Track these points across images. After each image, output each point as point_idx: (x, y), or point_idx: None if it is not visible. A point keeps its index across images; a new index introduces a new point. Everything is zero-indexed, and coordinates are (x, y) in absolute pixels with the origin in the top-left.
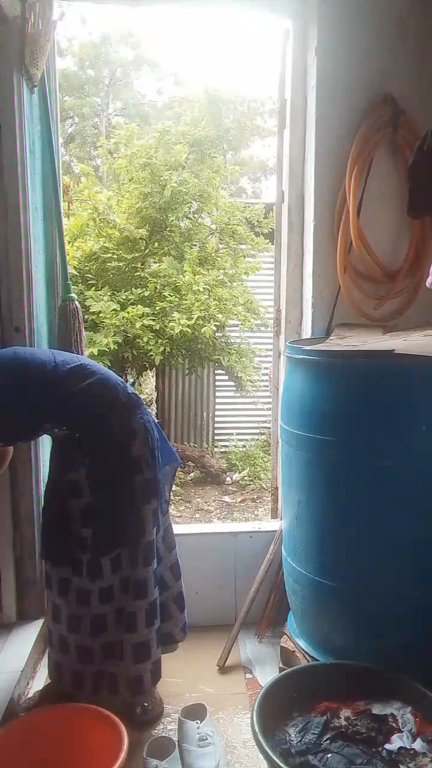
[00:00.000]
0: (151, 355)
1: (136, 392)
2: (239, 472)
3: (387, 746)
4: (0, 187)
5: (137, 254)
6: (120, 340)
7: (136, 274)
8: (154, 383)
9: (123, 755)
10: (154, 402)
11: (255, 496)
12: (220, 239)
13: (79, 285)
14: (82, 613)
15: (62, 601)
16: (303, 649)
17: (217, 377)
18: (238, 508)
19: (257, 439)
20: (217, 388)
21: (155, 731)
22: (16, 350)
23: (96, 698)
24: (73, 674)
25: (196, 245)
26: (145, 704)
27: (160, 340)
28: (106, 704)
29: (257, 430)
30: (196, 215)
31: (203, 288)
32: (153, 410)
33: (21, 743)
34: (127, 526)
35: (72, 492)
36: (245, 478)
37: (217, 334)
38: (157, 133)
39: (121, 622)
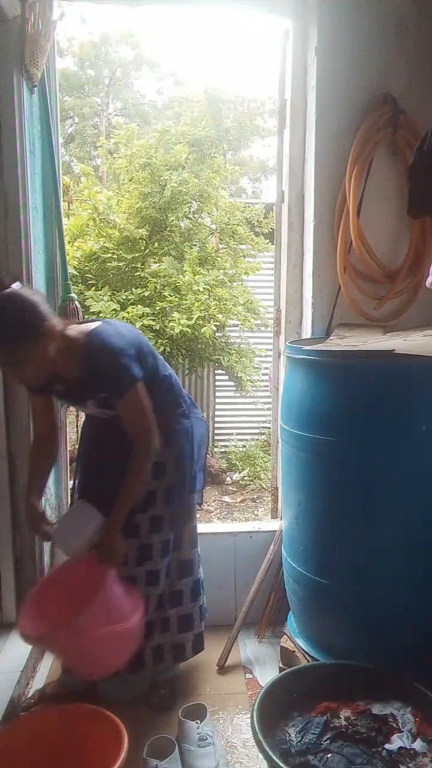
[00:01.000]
0: None
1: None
2: (239, 472)
3: (387, 746)
4: (0, 187)
5: (137, 254)
6: None
7: (136, 274)
8: None
9: (123, 755)
10: None
11: (255, 496)
12: (220, 239)
13: (79, 285)
14: None
15: None
16: (303, 649)
17: (217, 377)
18: (238, 508)
19: (257, 439)
20: (217, 388)
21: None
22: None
23: (132, 675)
24: None
25: (196, 245)
26: (162, 692)
27: (160, 340)
28: (133, 679)
29: (257, 430)
30: (196, 215)
31: (203, 288)
32: None
33: (21, 743)
34: (182, 511)
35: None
36: (245, 478)
37: (217, 334)
38: (157, 133)
39: (162, 601)
